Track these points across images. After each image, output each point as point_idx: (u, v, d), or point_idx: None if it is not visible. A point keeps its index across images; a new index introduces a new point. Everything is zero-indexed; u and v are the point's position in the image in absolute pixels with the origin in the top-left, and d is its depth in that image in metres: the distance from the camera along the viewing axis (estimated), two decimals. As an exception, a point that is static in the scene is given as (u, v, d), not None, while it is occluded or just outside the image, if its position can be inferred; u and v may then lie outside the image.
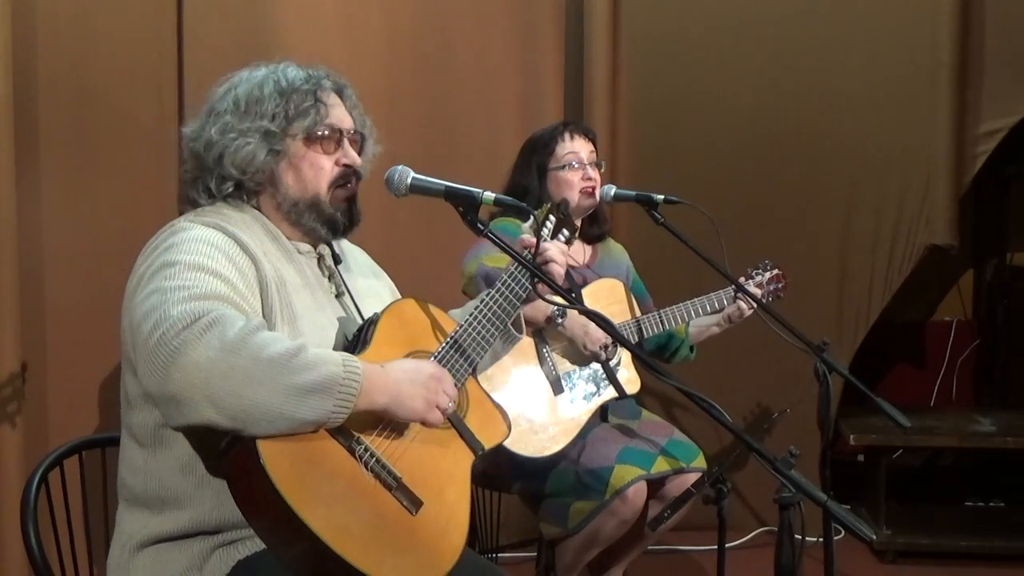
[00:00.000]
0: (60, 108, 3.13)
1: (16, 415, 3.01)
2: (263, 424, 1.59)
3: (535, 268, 1.93)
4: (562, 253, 2.06)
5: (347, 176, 1.95)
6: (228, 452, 1.64)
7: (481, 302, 1.95)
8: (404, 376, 1.75)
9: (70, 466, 2.08)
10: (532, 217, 2.03)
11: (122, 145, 3.19)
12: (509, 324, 2.02)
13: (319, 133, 1.91)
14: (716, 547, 2.21)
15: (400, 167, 1.94)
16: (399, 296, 2.16)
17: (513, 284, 1.97)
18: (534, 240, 2.02)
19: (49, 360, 3.15)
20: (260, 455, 1.59)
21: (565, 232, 2.10)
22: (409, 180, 1.93)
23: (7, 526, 2.94)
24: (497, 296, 1.96)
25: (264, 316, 1.77)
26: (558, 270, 2.04)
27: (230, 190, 1.89)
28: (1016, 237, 4.55)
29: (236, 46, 3.24)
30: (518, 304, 1.98)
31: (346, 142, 1.95)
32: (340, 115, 1.96)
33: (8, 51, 2.93)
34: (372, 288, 2.09)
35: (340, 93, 1.98)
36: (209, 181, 1.89)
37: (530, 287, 1.97)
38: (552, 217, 2.07)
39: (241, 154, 1.87)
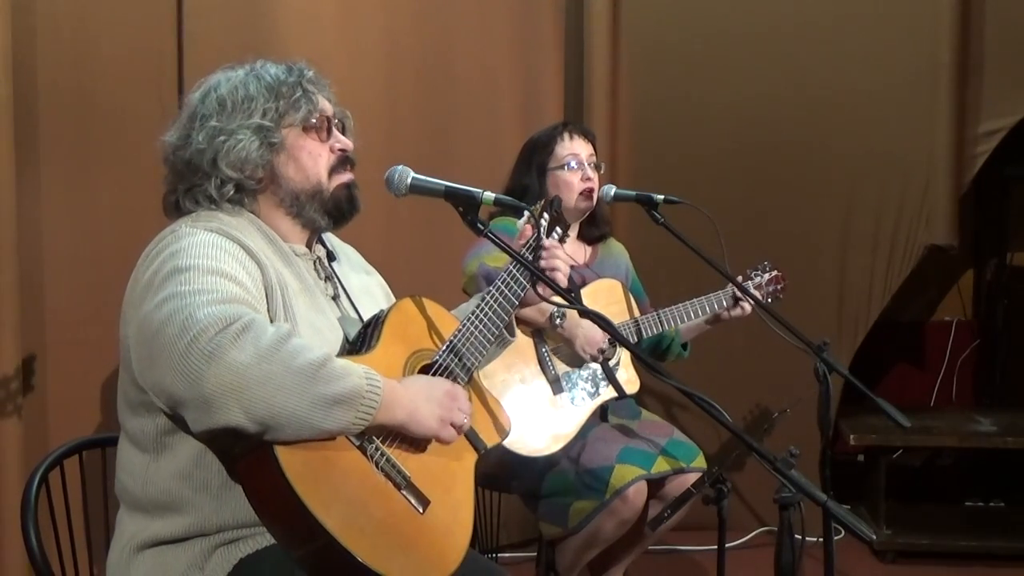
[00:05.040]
0: (60, 108, 3.13)
1: (16, 415, 3.01)
2: (288, 431, 1.61)
3: (536, 269, 1.93)
4: (564, 262, 2.04)
5: (344, 161, 1.95)
6: (244, 453, 1.65)
7: (477, 307, 1.96)
8: (420, 393, 1.78)
9: (70, 466, 2.08)
10: (527, 213, 2.03)
11: (122, 145, 3.19)
12: (503, 329, 2.03)
13: (313, 121, 1.91)
14: (716, 547, 2.21)
15: (400, 167, 1.94)
16: (390, 293, 2.16)
17: (506, 290, 1.98)
18: (531, 231, 2.02)
19: (49, 360, 3.15)
20: (277, 455, 1.61)
21: (558, 230, 2.10)
22: (409, 180, 1.93)
23: (7, 526, 2.94)
24: (492, 302, 1.96)
25: (269, 319, 1.76)
26: (561, 278, 2.03)
27: (231, 193, 1.87)
28: (1016, 237, 4.56)
29: (236, 46, 3.23)
30: (511, 310, 1.99)
31: (334, 128, 1.96)
32: (324, 103, 1.95)
33: (8, 51, 2.93)
34: (365, 286, 2.09)
35: (317, 82, 1.97)
36: (209, 188, 1.86)
37: (523, 293, 1.98)
38: (546, 215, 2.07)
39: (235, 152, 1.85)
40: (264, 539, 1.73)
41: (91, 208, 3.18)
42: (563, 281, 2.03)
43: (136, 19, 3.23)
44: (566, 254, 2.07)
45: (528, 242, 2.04)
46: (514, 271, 1.98)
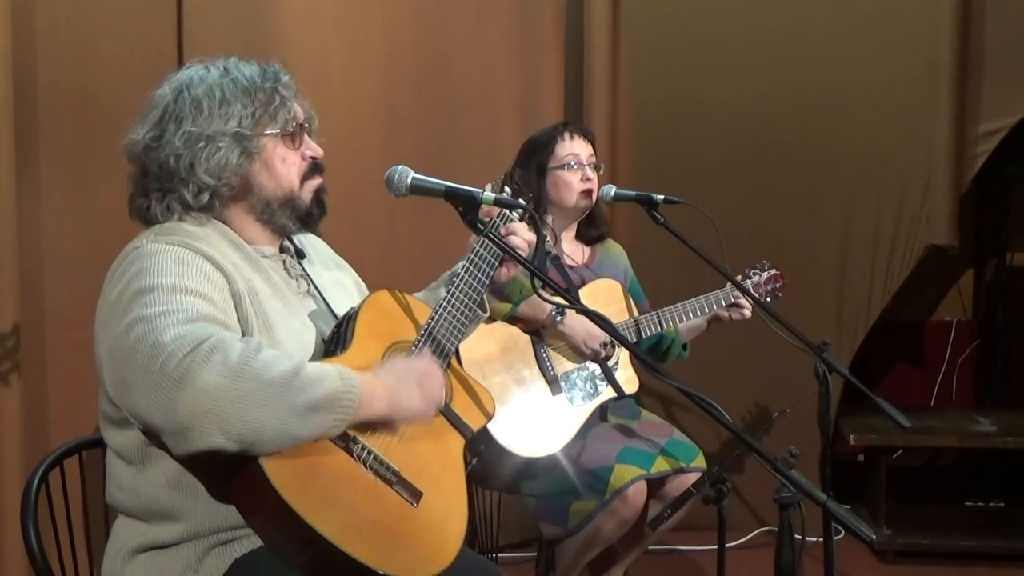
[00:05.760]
0: (60, 108, 3.13)
1: (16, 414, 3.01)
2: (269, 445, 1.59)
3: (533, 266, 1.93)
4: (522, 237, 2.03)
5: (315, 168, 1.94)
6: (232, 472, 1.64)
7: (449, 292, 1.96)
8: (397, 380, 1.76)
9: (70, 466, 2.07)
10: (490, 184, 2.03)
11: (122, 145, 3.19)
12: (477, 307, 2.02)
13: (290, 130, 1.89)
14: (716, 547, 2.21)
15: (400, 167, 1.94)
16: (363, 285, 2.15)
17: (476, 271, 1.98)
18: (495, 210, 2.01)
19: (49, 360, 3.15)
20: (263, 468, 1.60)
21: (521, 204, 2.08)
22: (409, 180, 1.93)
23: (7, 526, 2.94)
24: (462, 285, 1.97)
25: (241, 328, 1.75)
26: (520, 242, 2.02)
27: (206, 200, 1.84)
28: (1016, 237, 4.56)
29: (236, 46, 3.20)
30: (482, 290, 1.99)
31: (305, 134, 1.94)
32: (297, 108, 1.93)
33: (8, 51, 2.93)
34: (337, 280, 2.08)
35: (290, 87, 1.93)
36: (186, 194, 1.83)
37: (492, 271, 1.99)
38: (507, 188, 2.07)
39: (214, 160, 1.81)
40: (259, 539, 1.73)
41: (91, 208, 3.18)
42: (521, 250, 2.00)
43: (136, 19, 3.22)
44: (530, 241, 2.05)
45: (494, 220, 2.02)
46: (482, 251, 1.98)
